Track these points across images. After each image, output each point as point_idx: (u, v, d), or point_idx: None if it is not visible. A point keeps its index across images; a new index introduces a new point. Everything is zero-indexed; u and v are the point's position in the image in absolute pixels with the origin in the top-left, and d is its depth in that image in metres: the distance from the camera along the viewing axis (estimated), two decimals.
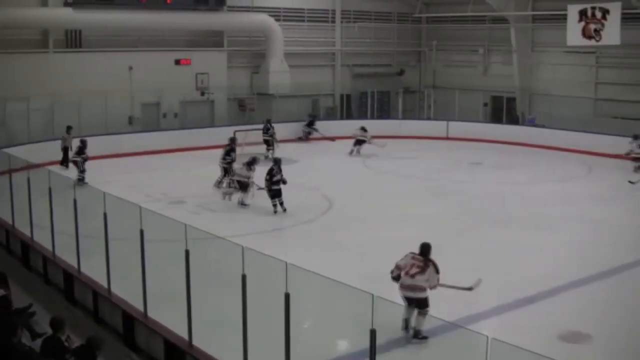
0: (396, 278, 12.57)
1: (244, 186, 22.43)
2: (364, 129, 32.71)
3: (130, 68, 32.85)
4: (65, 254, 15.03)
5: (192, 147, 31.94)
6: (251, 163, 22.60)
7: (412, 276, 12.36)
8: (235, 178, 22.85)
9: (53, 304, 14.16)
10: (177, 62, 34.58)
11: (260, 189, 22.14)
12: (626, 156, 28.38)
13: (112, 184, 22.97)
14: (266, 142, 31.07)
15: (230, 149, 25.02)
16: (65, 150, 27.83)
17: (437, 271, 12.40)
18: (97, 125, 30.50)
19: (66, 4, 30.89)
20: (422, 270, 12.34)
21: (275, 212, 21.23)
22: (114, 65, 32.37)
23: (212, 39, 36.72)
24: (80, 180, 24.78)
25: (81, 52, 32.28)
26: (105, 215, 12.96)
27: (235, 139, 25.85)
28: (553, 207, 22.43)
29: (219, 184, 24.68)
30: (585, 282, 15.22)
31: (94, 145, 26.69)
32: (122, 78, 32.47)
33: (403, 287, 12.39)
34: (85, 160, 25.63)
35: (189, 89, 34.53)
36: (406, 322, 12.30)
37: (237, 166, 23.61)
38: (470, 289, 12.80)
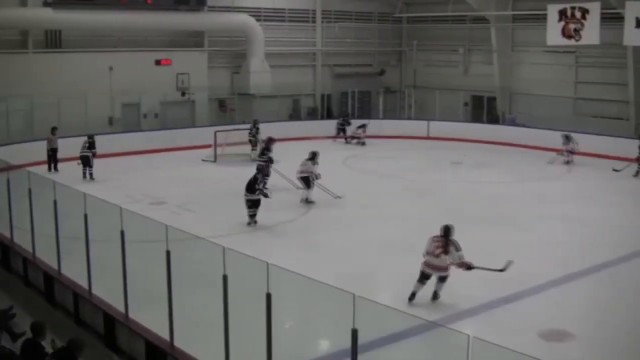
0: None
1: (308, 182, 22.50)
2: (363, 127, 33.92)
3: (111, 68, 32.77)
4: (46, 256, 14.95)
5: (173, 147, 31.85)
6: (313, 157, 22.72)
7: (437, 256, 13.75)
8: (299, 175, 22.65)
9: (33, 306, 14.09)
10: (158, 62, 34.53)
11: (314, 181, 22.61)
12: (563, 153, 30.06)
13: (92, 184, 22.89)
14: (250, 142, 30.88)
15: (265, 148, 24.87)
16: (53, 152, 27.45)
17: (457, 249, 13.70)
18: (77, 125, 30.30)
19: (46, 4, 30.74)
20: (445, 249, 13.69)
21: (249, 223, 19.96)
22: (94, 65, 32.27)
23: (193, 39, 36.66)
24: (92, 175, 25.82)
25: (61, 52, 32.15)
26: (85, 216, 12.92)
27: (273, 139, 25.50)
28: (533, 206, 22.52)
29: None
30: (566, 280, 15.29)
31: (74, 146, 26.56)
32: (102, 78, 32.37)
33: (429, 266, 13.85)
34: (94, 155, 26.15)
35: (170, 90, 34.48)
36: (414, 295, 13.83)
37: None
38: (502, 270, 13.72)
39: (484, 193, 24.55)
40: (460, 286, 15.22)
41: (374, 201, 23.17)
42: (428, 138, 36.67)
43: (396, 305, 12.58)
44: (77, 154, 26.13)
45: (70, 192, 14.71)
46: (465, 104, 40.54)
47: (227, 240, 11.67)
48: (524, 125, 36.24)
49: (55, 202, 14.14)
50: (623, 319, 13.56)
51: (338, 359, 10.67)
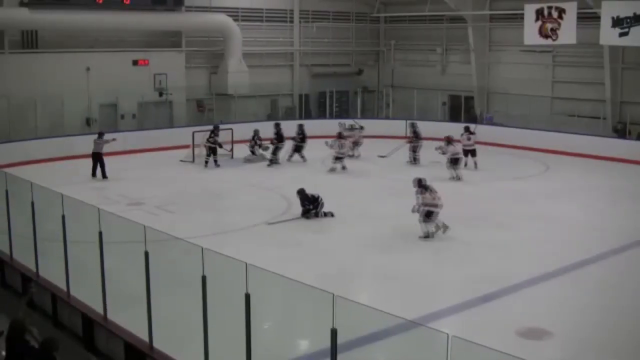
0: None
1: (474, 152, 28.81)
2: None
3: (88, 69, 32.60)
4: (24, 257, 14.86)
5: (151, 148, 31.74)
6: (470, 131, 29.04)
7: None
8: (469, 148, 28.57)
9: (10, 308, 13.99)
10: (135, 62, 34.41)
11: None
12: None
13: (70, 186, 22.76)
14: (253, 152, 30.68)
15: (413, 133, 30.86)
16: (92, 156, 26.57)
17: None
18: (54, 127, 30.19)
19: (22, 4, 30.53)
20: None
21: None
22: (71, 66, 32.09)
23: (170, 39, 36.55)
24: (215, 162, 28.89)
25: (37, 52, 31.93)
26: (63, 217, 12.86)
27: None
28: (510, 205, 22.60)
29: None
30: (543, 279, 15.37)
31: (50, 148, 26.40)
32: (79, 79, 32.21)
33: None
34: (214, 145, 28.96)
35: (147, 90, 34.31)
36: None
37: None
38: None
39: (461, 192, 24.61)
40: (439, 285, 15.30)
41: (352, 200, 23.19)
42: (406, 137, 36.62)
43: (375, 305, 12.63)
44: (49, 156, 25.92)
45: (48, 194, 14.62)
46: (443, 104, 40.67)
47: (206, 241, 11.64)
48: (501, 124, 36.36)
49: (32, 204, 14.06)
50: (599, 317, 13.65)
51: (317, 359, 10.68)
